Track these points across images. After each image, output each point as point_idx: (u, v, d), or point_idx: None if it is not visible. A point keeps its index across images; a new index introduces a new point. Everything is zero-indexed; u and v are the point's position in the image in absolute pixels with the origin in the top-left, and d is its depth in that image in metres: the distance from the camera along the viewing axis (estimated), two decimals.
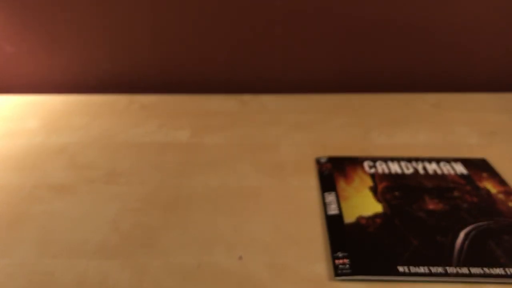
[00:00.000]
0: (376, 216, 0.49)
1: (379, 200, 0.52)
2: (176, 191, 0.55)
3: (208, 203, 0.53)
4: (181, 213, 0.51)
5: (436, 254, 0.44)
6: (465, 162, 0.59)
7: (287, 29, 0.79)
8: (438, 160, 0.60)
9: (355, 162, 0.60)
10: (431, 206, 0.51)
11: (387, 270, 0.42)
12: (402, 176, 0.57)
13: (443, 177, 0.56)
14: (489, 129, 0.68)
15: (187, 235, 0.48)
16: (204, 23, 0.79)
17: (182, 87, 0.86)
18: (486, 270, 0.42)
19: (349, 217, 0.49)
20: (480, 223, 0.48)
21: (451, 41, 0.79)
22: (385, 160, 0.60)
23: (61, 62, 0.84)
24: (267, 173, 0.58)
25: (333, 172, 0.58)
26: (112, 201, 0.53)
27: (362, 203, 0.52)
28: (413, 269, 0.42)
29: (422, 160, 0.60)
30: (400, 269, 0.42)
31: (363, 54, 0.81)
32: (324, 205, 0.52)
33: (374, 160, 0.60)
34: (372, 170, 0.58)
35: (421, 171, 0.57)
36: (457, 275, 0.41)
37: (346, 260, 0.44)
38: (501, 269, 0.42)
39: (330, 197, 0.53)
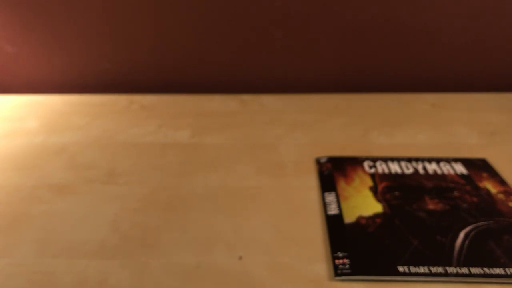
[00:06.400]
0: (376, 216, 0.49)
1: (379, 200, 0.52)
2: (176, 191, 0.55)
3: (208, 203, 0.53)
4: (181, 213, 0.51)
5: (436, 254, 0.44)
6: (465, 162, 0.59)
7: (287, 29, 0.79)
8: (438, 160, 0.60)
9: (355, 162, 0.60)
10: (431, 206, 0.51)
11: (387, 270, 0.42)
12: (402, 176, 0.57)
13: (443, 177, 0.56)
14: (489, 129, 0.68)
15: (187, 235, 0.48)
16: (204, 23, 0.79)
17: (182, 87, 0.86)
18: (486, 270, 0.42)
19: (349, 217, 0.49)
20: (480, 223, 0.48)
21: (451, 41, 0.79)
22: (385, 160, 0.60)
23: (61, 62, 0.84)
24: (267, 173, 0.58)
25: (333, 172, 0.58)
26: (112, 201, 0.53)
27: (362, 203, 0.52)
28: (413, 269, 0.42)
29: (422, 160, 0.60)
30: (400, 269, 0.42)
31: (363, 54, 0.81)
32: (324, 205, 0.52)
33: (374, 160, 0.60)
34: (372, 170, 0.58)
35: (421, 171, 0.57)
36: (457, 275, 0.41)
37: (346, 260, 0.44)
38: (501, 269, 0.42)
39: (330, 197, 0.53)
